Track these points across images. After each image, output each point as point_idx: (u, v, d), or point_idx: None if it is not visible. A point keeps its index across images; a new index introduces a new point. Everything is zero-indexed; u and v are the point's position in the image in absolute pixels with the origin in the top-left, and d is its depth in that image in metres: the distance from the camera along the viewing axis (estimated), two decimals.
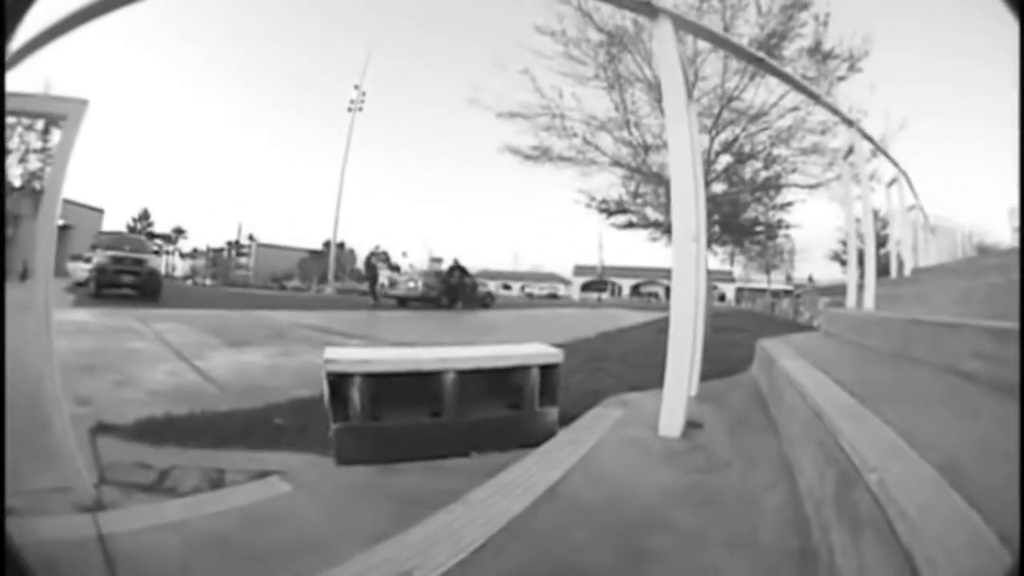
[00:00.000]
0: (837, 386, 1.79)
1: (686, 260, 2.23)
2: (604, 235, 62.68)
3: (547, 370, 3.17)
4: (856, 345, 3.05)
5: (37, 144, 23.41)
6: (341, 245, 61.71)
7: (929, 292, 3.49)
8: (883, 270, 5.85)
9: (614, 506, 1.52)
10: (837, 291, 9.76)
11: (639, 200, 15.06)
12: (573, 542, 1.35)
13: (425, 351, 3.20)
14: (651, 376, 5.59)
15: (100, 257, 15.28)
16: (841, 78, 9.80)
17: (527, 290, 67.93)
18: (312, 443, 3.07)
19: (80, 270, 18.29)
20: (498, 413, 3.06)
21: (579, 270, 70.23)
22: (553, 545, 1.34)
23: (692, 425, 2.23)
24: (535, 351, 3.23)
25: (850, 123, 4.70)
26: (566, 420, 3.19)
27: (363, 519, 2.05)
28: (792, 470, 1.73)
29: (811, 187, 11.34)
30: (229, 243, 78.50)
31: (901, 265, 6.51)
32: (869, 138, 4.92)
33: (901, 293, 3.99)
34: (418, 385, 2.94)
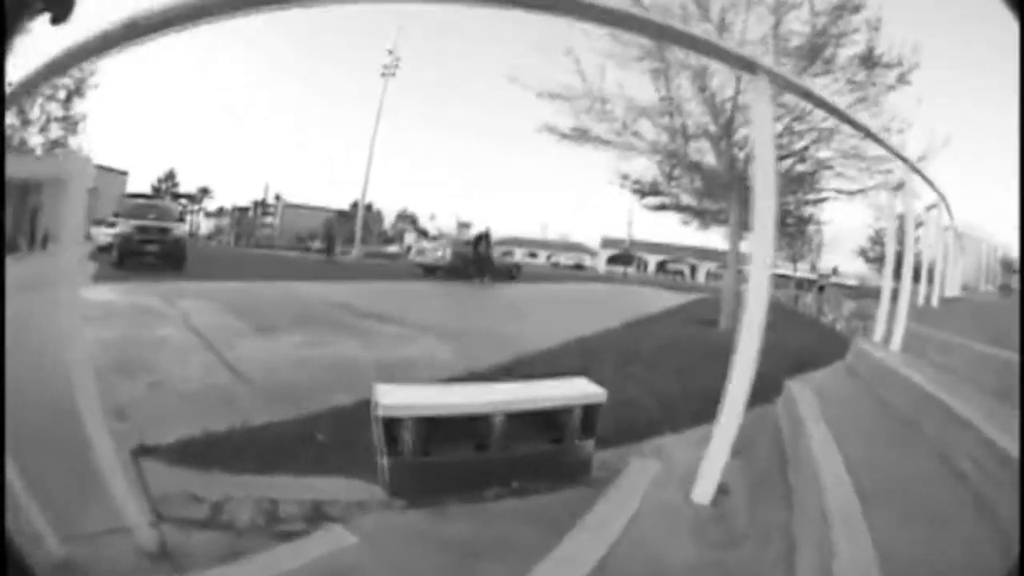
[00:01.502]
0: (849, 478, 2.05)
1: (750, 341, 2.45)
2: (634, 211, 61.90)
3: (589, 406, 3.47)
4: (876, 403, 3.29)
5: (59, 113, 23.73)
6: (369, 207, 61.99)
7: (952, 343, 3.67)
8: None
9: None
10: (861, 292, 9.85)
11: (674, 184, 15.05)
12: None
13: (475, 391, 3.49)
14: (682, 384, 5.80)
15: (124, 226, 15.43)
16: (891, 87, 9.68)
17: (553, 259, 67.95)
18: (355, 465, 3.29)
19: (103, 235, 18.21)
20: (540, 447, 3.39)
21: (606, 242, 69.75)
22: None
23: (720, 491, 2.51)
24: (580, 392, 3.49)
25: (904, 160, 4.75)
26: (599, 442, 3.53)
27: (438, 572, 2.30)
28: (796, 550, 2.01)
29: (851, 193, 11.30)
30: (255, 202, 79.36)
31: (930, 279, 6.59)
32: (918, 171, 4.95)
33: (927, 335, 4.16)
34: (467, 422, 3.25)
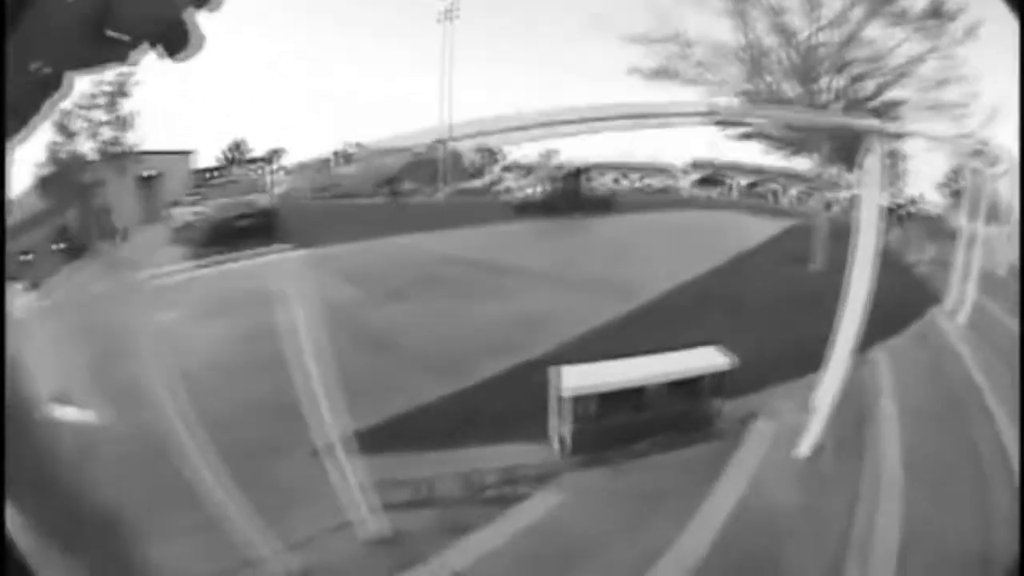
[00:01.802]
0: (901, 451, 3.16)
1: (842, 355, 3.43)
2: (719, 137, 57.71)
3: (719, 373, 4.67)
4: (936, 382, 4.24)
5: (105, 117, 23.65)
6: (449, 143, 61.26)
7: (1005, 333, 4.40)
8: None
9: (773, 523, 3.05)
10: (940, 229, 9.96)
11: (754, 117, 15.16)
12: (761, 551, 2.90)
13: (635, 366, 4.66)
14: (785, 336, 6.07)
15: (211, 208, 15.66)
16: (959, 42, 9.55)
17: (645, 180, 65.79)
18: (527, 429, 3.95)
19: (183, 215, 17.60)
20: (681, 406, 4.68)
21: (695, 164, 66.59)
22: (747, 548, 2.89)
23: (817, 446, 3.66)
24: (713, 362, 4.72)
25: (978, 151, 5.31)
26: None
27: (629, 518, 3.07)
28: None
29: (931, 139, 11.27)
30: (335, 152, 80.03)
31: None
32: (988, 146, 5.43)
33: (991, 315, 4.92)
34: (629, 391, 4.55)
